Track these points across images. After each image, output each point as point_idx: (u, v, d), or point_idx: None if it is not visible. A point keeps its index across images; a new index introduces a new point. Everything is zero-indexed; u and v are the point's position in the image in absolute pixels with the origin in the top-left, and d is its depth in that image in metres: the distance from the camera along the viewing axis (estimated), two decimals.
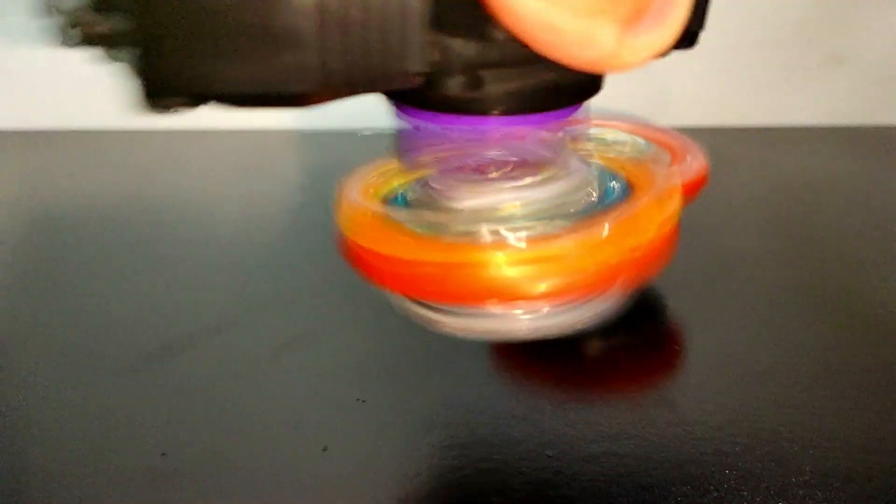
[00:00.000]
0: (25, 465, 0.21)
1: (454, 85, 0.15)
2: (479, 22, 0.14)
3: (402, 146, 0.19)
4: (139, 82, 0.14)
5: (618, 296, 0.20)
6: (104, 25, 0.13)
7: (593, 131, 0.32)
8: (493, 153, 0.20)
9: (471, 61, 0.15)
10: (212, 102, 0.14)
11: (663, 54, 0.14)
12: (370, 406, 0.23)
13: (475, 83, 0.15)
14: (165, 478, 0.21)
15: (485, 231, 0.17)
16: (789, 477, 0.20)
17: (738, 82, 0.52)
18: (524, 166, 0.19)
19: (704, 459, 0.21)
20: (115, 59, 0.15)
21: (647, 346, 0.26)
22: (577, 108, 0.17)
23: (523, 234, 0.17)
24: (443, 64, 0.14)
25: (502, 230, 0.17)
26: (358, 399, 0.24)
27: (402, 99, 0.17)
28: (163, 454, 0.21)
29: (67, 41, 0.14)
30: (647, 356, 0.26)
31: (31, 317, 0.30)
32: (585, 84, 0.17)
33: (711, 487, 0.20)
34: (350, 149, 0.50)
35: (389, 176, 0.22)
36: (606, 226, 0.17)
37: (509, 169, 0.19)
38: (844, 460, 0.21)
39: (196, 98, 0.13)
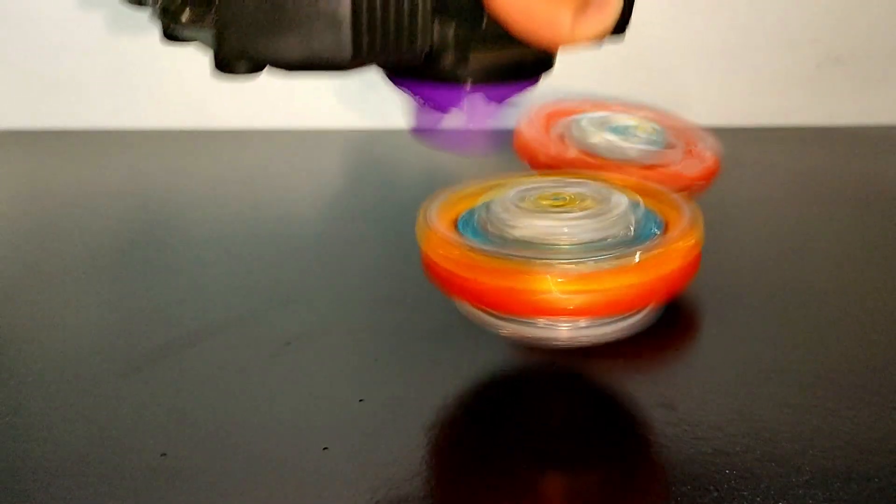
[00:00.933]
0: (25, 465, 0.21)
1: (446, 60, 0.19)
2: (469, 12, 0.18)
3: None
4: (213, 55, 0.17)
5: (647, 313, 0.23)
6: (188, 14, 0.18)
7: (619, 117, 0.34)
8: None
9: (460, 42, 0.19)
10: (268, 68, 0.17)
11: (601, 38, 0.18)
12: (370, 406, 0.23)
13: (462, 59, 0.19)
14: (165, 478, 0.21)
15: (539, 259, 0.21)
16: (789, 477, 0.20)
17: (740, 83, 0.52)
18: (575, 200, 0.24)
19: (704, 459, 0.21)
20: (193, 38, 0.19)
21: (647, 346, 0.26)
22: (535, 81, 0.21)
23: (570, 262, 0.21)
24: (440, 43, 0.19)
25: (553, 259, 0.21)
26: (359, 399, 0.24)
27: (399, 72, 0.21)
28: (163, 454, 0.21)
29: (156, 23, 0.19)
30: (648, 356, 0.26)
31: (32, 317, 0.30)
32: (542, 62, 0.21)
33: (711, 487, 0.20)
34: (349, 150, 0.50)
35: (462, 199, 0.26)
36: (637, 256, 0.21)
37: (563, 203, 0.24)
38: (844, 460, 0.21)
39: (257, 65, 0.17)
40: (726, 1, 0.52)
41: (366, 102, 0.53)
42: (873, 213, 0.39)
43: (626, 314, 0.23)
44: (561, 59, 0.21)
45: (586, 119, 0.33)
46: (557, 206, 0.23)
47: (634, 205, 0.24)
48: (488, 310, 0.23)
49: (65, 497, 0.20)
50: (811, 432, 0.22)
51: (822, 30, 0.52)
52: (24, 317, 0.30)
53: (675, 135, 0.34)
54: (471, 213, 0.25)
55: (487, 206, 0.24)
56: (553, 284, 0.21)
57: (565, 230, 0.23)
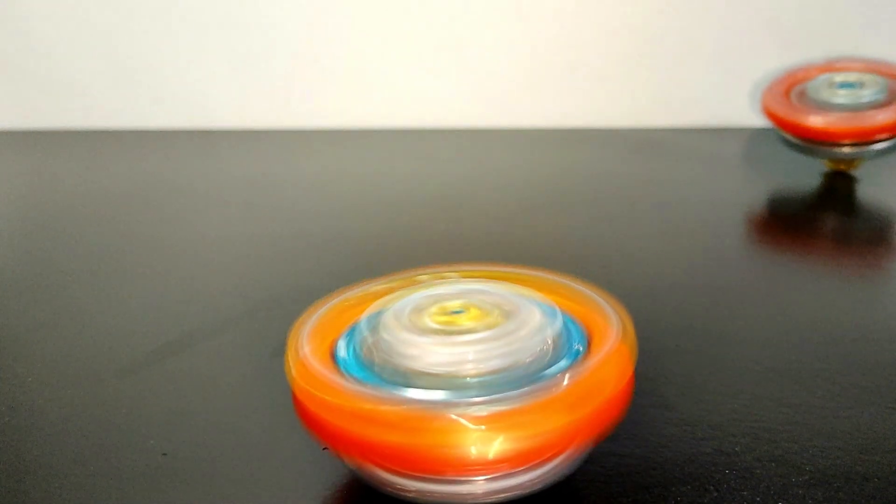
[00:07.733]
0: (25, 465, 0.21)
1: None
2: None
3: None
4: None
5: (576, 453, 0.19)
6: None
7: (842, 74, 0.39)
8: None
9: None
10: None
11: None
12: None
13: None
14: (166, 478, 0.21)
15: (444, 403, 0.17)
16: (789, 477, 0.20)
17: (739, 83, 0.52)
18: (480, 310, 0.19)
19: (704, 459, 0.21)
20: None
21: (646, 346, 0.26)
22: None
23: (480, 402, 0.17)
24: None
25: (460, 403, 0.17)
26: None
27: None
28: (163, 454, 0.21)
29: None
30: (647, 356, 0.26)
31: (32, 317, 0.30)
32: None
33: (711, 487, 0.20)
34: (349, 149, 0.50)
35: (341, 313, 0.21)
36: (564, 385, 0.17)
37: (464, 317, 0.19)
38: (844, 460, 0.21)
39: None
40: (723, 1, 0.52)
41: (364, 102, 0.53)
42: (871, 213, 0.39)
43: (552, 457, 0.18)
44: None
45: (817, 80, 0.39)
46: (458, 324, 0.19)
47: (551, 313, 0.20)
48: (387, 468, 0.18)
49: (65, 497, 0.20)
50: (811, 432, 0.22)
51: (821, 30, 0.52)
52: (25, 317, 0.30)
53: (893, 80, 0.39)
54: (352, 332, 0.20)
55: (372, 324, 0.20)
56: (465, 435, 0.16)
57: (470, 357, 0.18)
